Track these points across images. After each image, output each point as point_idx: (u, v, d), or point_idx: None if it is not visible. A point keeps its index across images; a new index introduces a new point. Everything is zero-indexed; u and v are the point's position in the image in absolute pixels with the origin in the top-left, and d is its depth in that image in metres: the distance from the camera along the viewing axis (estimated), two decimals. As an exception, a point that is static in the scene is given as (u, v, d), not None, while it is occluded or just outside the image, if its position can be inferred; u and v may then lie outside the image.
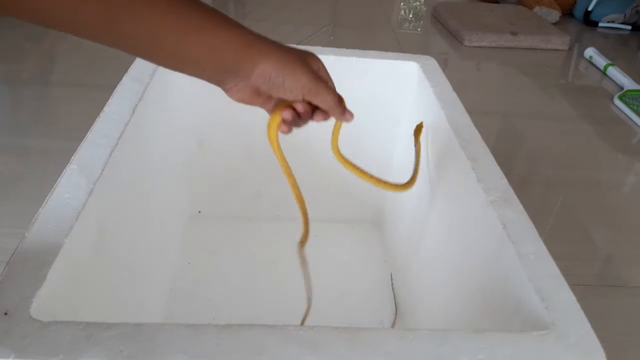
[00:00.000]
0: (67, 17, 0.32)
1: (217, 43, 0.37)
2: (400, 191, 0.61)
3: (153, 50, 0.36)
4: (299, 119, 0.45)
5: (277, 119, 0.45)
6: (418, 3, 2.25)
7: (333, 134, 0.54)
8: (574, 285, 0.40)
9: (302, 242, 0.53)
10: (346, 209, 0.90)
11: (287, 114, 0.44)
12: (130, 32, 0.34)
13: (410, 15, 2.14)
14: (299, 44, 0.77)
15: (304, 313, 0.54)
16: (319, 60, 0.44)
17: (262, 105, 0.44)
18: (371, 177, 0.57)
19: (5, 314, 0.34)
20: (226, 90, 0.41)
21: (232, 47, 0.38)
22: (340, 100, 0.44)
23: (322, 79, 0.43)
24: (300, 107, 0.44)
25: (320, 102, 0.43)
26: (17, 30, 1.55)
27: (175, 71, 0.39)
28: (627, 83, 1.55)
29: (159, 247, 0.73)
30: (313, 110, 0.45)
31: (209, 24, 0.37)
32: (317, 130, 0.81)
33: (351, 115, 0.46)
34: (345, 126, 0.87)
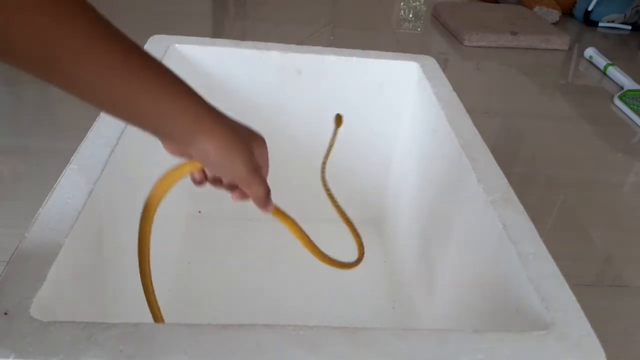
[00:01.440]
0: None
1: (169, 110, 0.35)
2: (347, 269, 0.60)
3: (96, 98, 0.34)
4: (211, 184, 0.45)
5: (189, 168, 0.44)
6: (418, 3, 2.25)
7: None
8: (574, 285, 0.40)
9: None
10: (346, 209, 0.90)
11: (199, 176, 0.44)
12: (75, 80, 0.32)
13: (410, 15, 2.14)
14: (299, 44, 0.77)
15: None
16: (263, 145, 0.43)
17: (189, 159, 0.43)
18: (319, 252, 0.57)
19: (5, 314, 0.34)
20: (162, 142, 0.41)
21: (183, 118, 0.36)
22: (267, 192, 0.44)
23: (257, 170, 0.42)
24: (223, 181, 0.44)
25: (248, 192, 0.43)
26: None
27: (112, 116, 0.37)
28: (627, 83, 1.55)
29: (159, 247, 0.73)
30: (234, 186, 0.44)
31: (169, 88, 0.35)
32: (317, 130, 0.81)
33: (271, 208, 0.46)
34: (345, 126, 0.88)
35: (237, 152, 0.39)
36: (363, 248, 0.57)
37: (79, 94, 0.32)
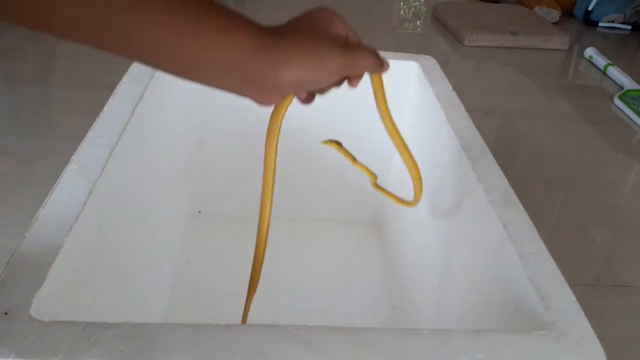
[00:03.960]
0: (51, 17, 0.27)
1: (227, 46, 0.31)
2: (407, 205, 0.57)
3: (151, 55, 0.30)
4: (320, 94, 0.39)
5: (287, 101, 0.39)
6: (418, 3, 2.25)
7: (376, 95, 0.46)
8: (574, 285, 0.40)
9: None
10: (346, 209, 0.90)
11: (303, 95, 0.39)
12: (121, 33, 0.28)
13: (410, 15, 2.14)
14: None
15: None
16: (329, 13, 0.37)
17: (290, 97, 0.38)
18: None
19: (6, 314, 0.34)
20: (257, 103, 0.36)
21: (247, 53, 0.31)
22: (374, 54, 0.38)
23: (349, 47, 0.36)
24: (329, 85, 0.38)
25: (360, 70, 0.38)
26: (17, 30, 1.55)
27: (192, 81, 0.33)
28: (627, 83, 1.55)
29: (159, 247, 0.73)
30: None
31: (215, 22, 0.30)
32: (317, 130, 0.81)
33: (388, 63, 0.39)
34: (345, 126, 0.88)
35: (323, 50, 0.34)
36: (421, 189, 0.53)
37: (132, 55, 0.29)
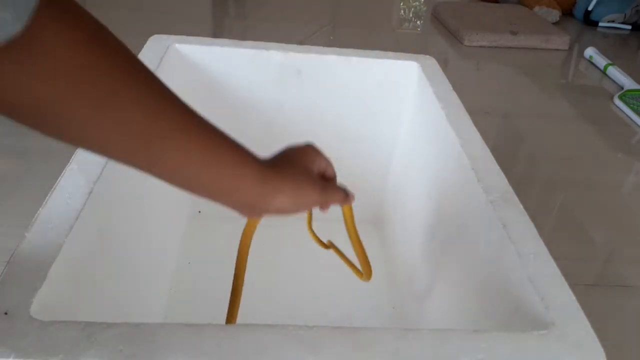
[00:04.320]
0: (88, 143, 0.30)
1: (234, 179, 0.36)
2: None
3: (171, 178, 0.34)
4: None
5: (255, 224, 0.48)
6: (418, 3, 2.25)
7: (346, 221, 0.54)
8: (574, 285, 0.40)
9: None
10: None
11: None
12: (151, 161, 0.32)
13: (410, 15, 2.14)
14: (299, 44, 0.77)
15: None
16: (314, 151, 0.43)
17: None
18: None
19: (6, 313, 0.34)
20: (241, 215, 0.41)
21: (249, 184, 0.36)
22: (345, 195, 0.46)
23: (325, 186, 0.42)
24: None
25: (331, 204, 0.44)
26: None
27: (190, 193, 0.36)
28: (627, 83, 1.55)
29: (159, 247, 0.73)
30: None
31: (231, 158, 0.35)
32: (317, 130, 0.81)
33: (354, 196, 0.48)
34: (345, 126, 0.87)
35: (307, 186, 0.40)
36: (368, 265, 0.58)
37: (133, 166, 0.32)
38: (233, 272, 0.50)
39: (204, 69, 0.76)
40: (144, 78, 0.30)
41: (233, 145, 0.36)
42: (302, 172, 0.41)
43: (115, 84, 0.28)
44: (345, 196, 0.46)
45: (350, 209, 0.53)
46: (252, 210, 0.38)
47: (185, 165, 0.33)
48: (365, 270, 0.57)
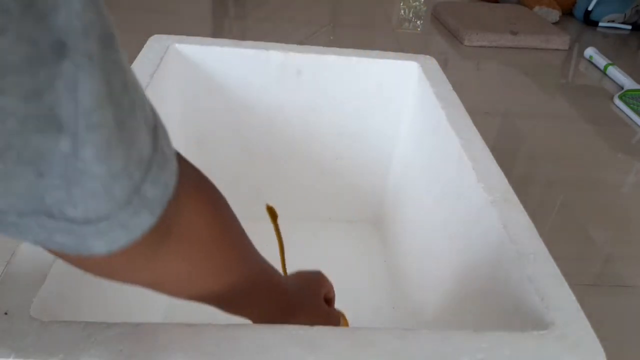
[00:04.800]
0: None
1: (268, 307, 0.40)
2: None
3: (213, 304, 0.37)
4: None
5: None
6: (418, 3, 2.25)
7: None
8: (574, 285, 0.40)
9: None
10: (346, 208, 0.90)
11: None
12: (213, 302, 0.36)
13: (410, 15, 2.14)
14: (299, 44, 0.77)
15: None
16: (325, 280, 0.50)
17: None
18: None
19: (6, 314, 0.34)
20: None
21: (277, 315, 0.40)
22: (340, 314, 0.52)
23: (331, 310, 0.49)
24: None
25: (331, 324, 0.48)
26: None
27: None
28: (627, 83, 1.55)
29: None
30: None
31: (274, 293, 0.40)
32: (317, 130, 0.81)
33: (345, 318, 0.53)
34: (345, 126, 0.88)
35: (316, 320, 0.44)
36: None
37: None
38: None
39: (204, 69, 0.76)
40: (245, 242, 0.35)
41: (278, 278, 0.42)
42: (316, 304, 0.46)
43: (234, 252, 0.33)
44: (344, 320, 0.52)
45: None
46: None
47: (241, 301, 0.38)
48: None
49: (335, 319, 0.49)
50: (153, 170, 0.23)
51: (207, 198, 0.30)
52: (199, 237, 0.29)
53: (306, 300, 0.45)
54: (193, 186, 0.28)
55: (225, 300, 0.36)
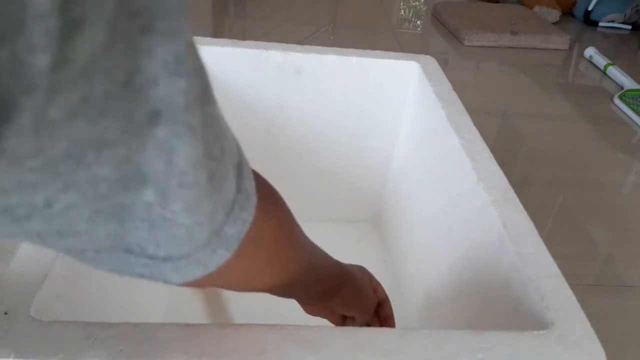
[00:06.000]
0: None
1: (327, 280, 0.42)
2: None
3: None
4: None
5: None
6: (418, 3, 2.25)
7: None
8: (574, 285, 0.40)
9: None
10: (346, 208, 0.90)
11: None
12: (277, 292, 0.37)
13: (410, 15, 2.14)
14: (299, 44, 0.77)
15: None
16: (371, 277, 0.50)
17: (326, 317, 0.48)
18: None
19: (6, 313, 0.34)
20: (305, 307, 0.47)
21: (330, 280, 0.42)
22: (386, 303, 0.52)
23: (380, 295, 0.49)
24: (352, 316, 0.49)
25: (367, 315, 0.49)
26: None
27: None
28: (627, 83, 1.55)
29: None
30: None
31: (324, 263, 0.41)
32: (317, 130, 0.81)
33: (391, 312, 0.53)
34: (345, 126, 0.88)
35: (365, 286, 0.46)
36: None
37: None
38: None
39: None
40: (303, 240, 0.37)
41: (329, 262, 0.43)
42: (362, 274, 0.47)
43: (296, 252, 0.35)
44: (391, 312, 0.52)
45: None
46: (322, 301, 0.44)
47: (293, 289, 0.39)
48: None
49: (374, 303, 0.49)
50: (235, 211, 0.24)
51: (276, 211, 0.31)
52: (267, 247, 0.30)
53: (357, 274, 0.46)
54: (265, 208, 0.28)
55: (279, 290, 0.37)
